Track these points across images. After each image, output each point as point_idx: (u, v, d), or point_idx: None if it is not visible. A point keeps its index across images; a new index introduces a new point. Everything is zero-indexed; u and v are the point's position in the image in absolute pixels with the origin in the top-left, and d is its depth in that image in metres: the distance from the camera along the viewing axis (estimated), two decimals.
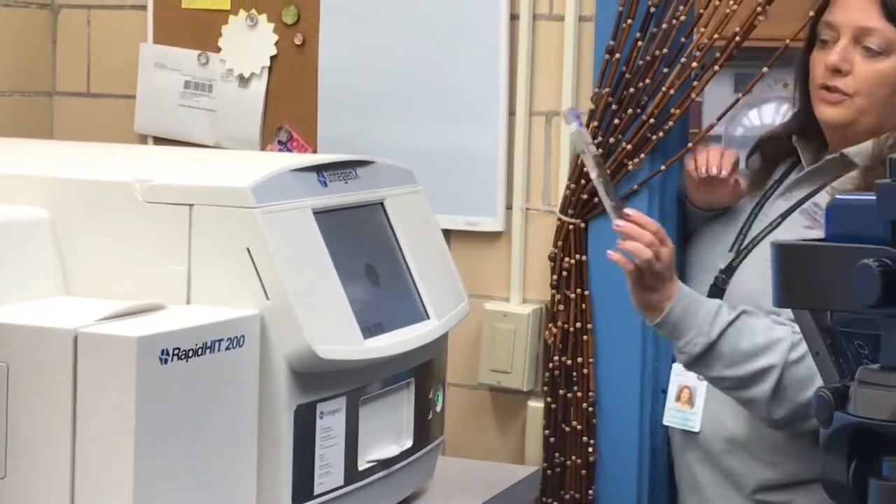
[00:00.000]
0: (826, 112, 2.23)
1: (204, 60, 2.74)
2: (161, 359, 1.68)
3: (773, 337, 2.13)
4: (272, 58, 2.70)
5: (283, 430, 1.85)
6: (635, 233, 2.10)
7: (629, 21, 2.43)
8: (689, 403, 2.27)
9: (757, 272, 2.21)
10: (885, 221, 1.00)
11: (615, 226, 2.12)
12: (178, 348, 1.70)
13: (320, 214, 1.97)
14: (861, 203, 1.04)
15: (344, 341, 1.91)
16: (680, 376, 2.30)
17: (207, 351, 1.75)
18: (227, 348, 1.78)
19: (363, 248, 2.08)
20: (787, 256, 1.07)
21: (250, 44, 2.70)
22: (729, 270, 2.28)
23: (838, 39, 2.20)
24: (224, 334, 1.78)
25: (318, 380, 1.89)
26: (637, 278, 2.11)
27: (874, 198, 1.00)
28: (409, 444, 2.13)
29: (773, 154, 2.38)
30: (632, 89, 2.43)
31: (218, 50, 2.73)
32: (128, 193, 1.90)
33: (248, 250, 1.84)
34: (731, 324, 2.12)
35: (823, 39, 2.23)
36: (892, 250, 0.99)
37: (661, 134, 2.41)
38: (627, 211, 2.12)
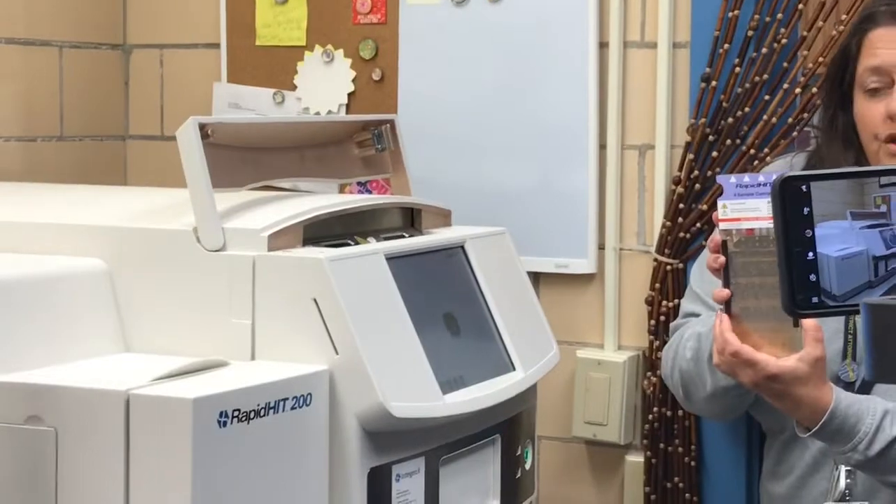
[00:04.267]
0: None
1: (280, 99, 2.64)
2: (220, 421, 1.56)
3: None
4: (350, 94, 2.59)
5: (355, 496, 1.72)
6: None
7: (726, 46, 2.28)
8: None
9: None
10: None
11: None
12: (239, 410, 1.58)
13: (394, 260, 1.84)
14: None
15: (420, 397, 1.78)
16: None
17: (271, 411, 1.62)
18: (293, 408, 1.66)
19: (441, 295, 1.95)
20: (882, 320, 0.86)
21: (327, 80, 2.60)
22: (865, 385, 1.97)
23: (892, 84, 1.93)
24: (289, 393, 1.65)
25: (393, 439, 1.76)
26: None
27: None
28: None
29: None
30: (730, 119, 2.27)
31: (294, 87, 2.63)
32: (188, 242, 1.78)
33: (316, 301, 1.71)
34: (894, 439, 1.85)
35: (872, 88, 1.95)
36: None
37: (763, 165, 2.25)
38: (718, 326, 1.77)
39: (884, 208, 0.96)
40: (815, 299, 0.93)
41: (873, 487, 1.95)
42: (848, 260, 0.94)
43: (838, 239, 0.94)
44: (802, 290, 0.93)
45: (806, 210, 0.93)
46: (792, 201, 0.93)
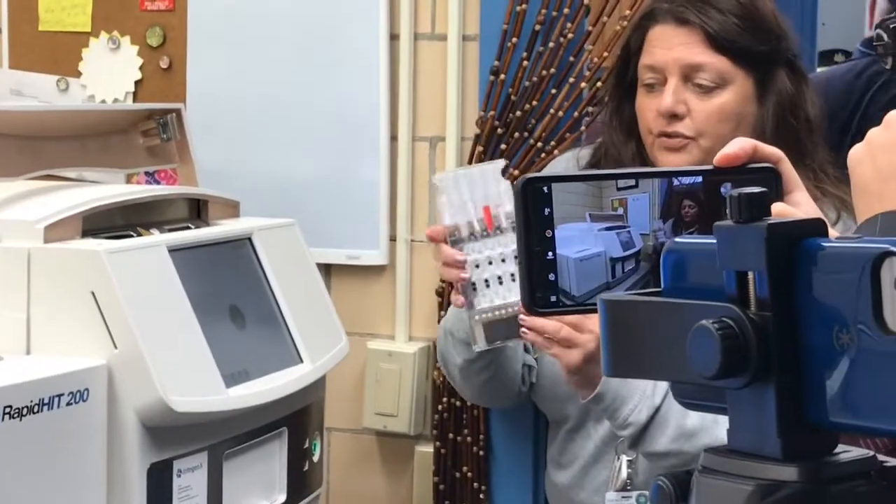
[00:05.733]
0: (670, 159, 1.98)
1: (63, 86, 2.57)
2: None
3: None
4: (137, 82, 2.53)
5: (135, 492, 1.69)
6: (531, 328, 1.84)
7: (514, 40, 2.30)
8: None
9: None
10: (729, 272, 0.78)
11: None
12: (11, 406, 1.54)
13: (177, 252, 1.81)
14: (701, 248, 0.80)
15: (203, 391, 1.75)
16: None
17: (45, 407, 1.58)
18: (69, 403, 1.62)
19: (227, 287, 1.92)
20: (614, 314, 0.86)
21: (113, 68, 2.53)
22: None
23: (665, 81, 1.98)
24: (65, 388, 1.61)
25: (174, 435, 1.73)
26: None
27: (715, 241, 0.78)
28: (282, 498, 1.97)
29: None
30: (518, 112, 2.30)
31: (78, 74, 2.56)
32: None
33: (93, 294, 1.67)
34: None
35: (648, 84, 2.00)
36: (735, 309, 0.77)
37: (550, 158, 2.28)
38: (524, 319, 1.81)
39: (620, 211, 0.98)
40: (553, 298, 0.94)
41: (653, 477, 2.00)
42: (587, 261, 0.95)
43: (578, 240, 0.95)
44: (541, 289, 0.94)
45: (547, 211, 0.94)
46: (533, 202, 0.94)
